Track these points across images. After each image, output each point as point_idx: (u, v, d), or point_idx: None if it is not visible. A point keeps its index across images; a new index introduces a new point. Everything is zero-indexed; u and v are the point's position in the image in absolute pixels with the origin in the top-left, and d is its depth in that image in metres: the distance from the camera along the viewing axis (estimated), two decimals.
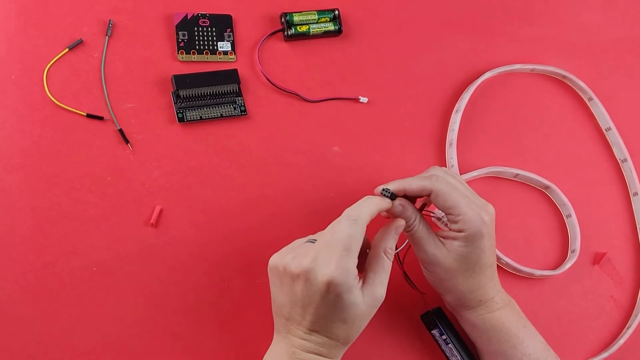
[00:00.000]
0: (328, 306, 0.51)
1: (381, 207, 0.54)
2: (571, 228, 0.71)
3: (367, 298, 0.51)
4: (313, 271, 0.50)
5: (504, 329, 0.58)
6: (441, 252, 0.56)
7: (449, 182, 0.56)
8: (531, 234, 0.71)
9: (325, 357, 0.53)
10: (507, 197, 0.71)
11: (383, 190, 0.56)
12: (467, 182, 0.69)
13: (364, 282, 0.52)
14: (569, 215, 0.71)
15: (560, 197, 0.71)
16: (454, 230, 0.56)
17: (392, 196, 0.56)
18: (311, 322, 0.52)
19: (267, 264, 0.55)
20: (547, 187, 0.72)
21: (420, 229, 0.57)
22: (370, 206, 0.53)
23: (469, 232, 0.55)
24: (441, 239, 0.57)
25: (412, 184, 0.56)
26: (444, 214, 0.66)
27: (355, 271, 0.50)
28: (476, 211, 0.55)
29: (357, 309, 0.51)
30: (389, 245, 0.53)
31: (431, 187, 0.55)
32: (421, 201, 0.60)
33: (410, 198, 0.58)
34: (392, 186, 0.56)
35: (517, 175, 0.71)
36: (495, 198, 0.60)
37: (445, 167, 0.71)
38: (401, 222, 0.55)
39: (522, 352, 0.58)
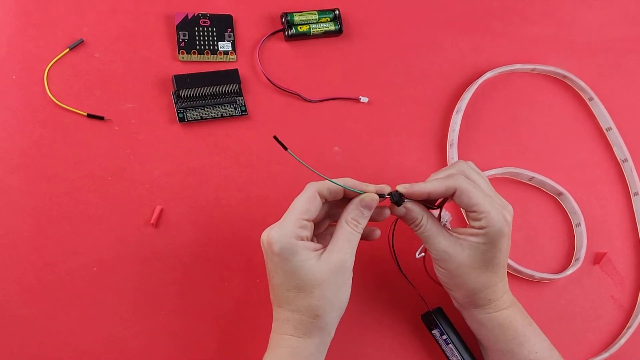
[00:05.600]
0: (279, 271, 0.53)
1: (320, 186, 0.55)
2: (578, 237, 0.71)
3: (323, 262, 0.52)
4: (264, 237, 0.54)
5: (511, 327, 0.58)
6: (454, 248, 0.56)
7: (472, 180, 0.56)
8: (537, 238, 0.70)
9: (294, 336, 0.53)
10: (519, 199, 0.71)
11: (389, 194, 0.56)
12: None
13: (325, 250, 0.53)
14: (578, 224, 0.71)
15: (572, 205, 0.71)
16: (474, 228, 0.56)
17: (399, 201, 0.56)
18: (273, 295, 0.55)
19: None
20: (560, 194, 0.71)
21: (428, 227, 0.57)
22: (320, 182, 0.56)
23: (491, 230, 0.55)
24: (457, 234, 0.57)
25: (436, 187, 0.55)
26: (448, 216, 0.66)
27: (300, 232, 0.52)
28: (499, 210, 0.55)
29: (310, 272, 0.52)
30: (350, 215, 0.55)
31: (455, 185, 0.55)
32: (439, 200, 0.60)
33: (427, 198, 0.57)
34: (416, 188, 0.56)
35: (532, 178, 0.71)
36: (507, 198, 0.59)
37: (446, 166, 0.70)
38: (366, 196, 0.55)
39: (528, 349, 0.58)
